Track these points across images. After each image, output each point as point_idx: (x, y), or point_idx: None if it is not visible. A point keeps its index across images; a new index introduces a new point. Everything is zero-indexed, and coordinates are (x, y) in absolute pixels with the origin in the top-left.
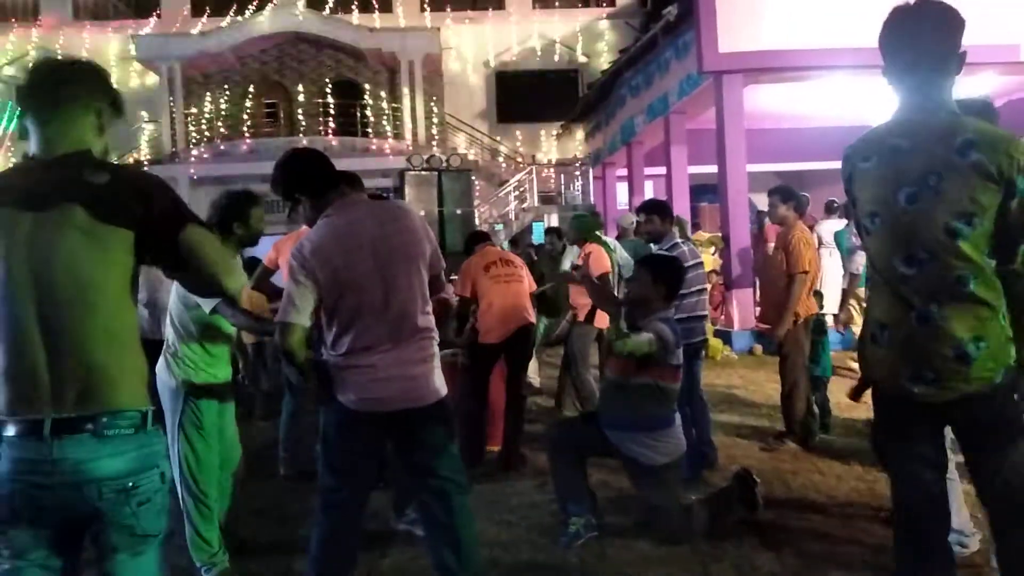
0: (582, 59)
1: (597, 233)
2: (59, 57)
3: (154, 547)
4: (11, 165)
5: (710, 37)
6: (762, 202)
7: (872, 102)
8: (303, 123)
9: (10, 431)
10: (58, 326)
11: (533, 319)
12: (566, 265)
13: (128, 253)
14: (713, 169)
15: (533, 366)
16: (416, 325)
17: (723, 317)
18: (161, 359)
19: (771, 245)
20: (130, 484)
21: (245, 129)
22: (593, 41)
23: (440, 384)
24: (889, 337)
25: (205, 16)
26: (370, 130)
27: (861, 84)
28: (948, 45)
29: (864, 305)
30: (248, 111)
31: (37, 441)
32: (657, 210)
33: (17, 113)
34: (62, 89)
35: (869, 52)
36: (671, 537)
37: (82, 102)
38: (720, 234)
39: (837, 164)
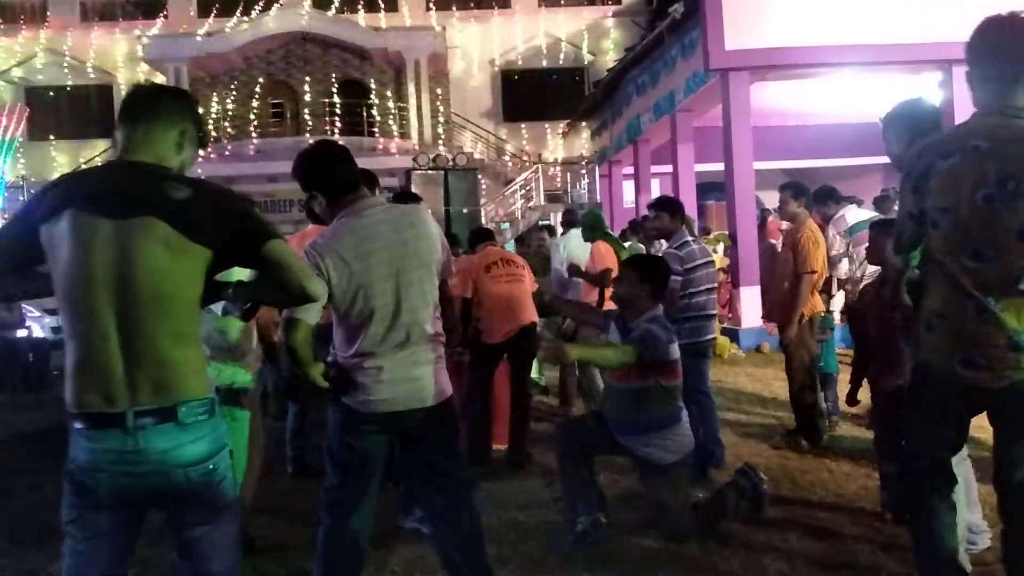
0: (588, 57)
1: (608, 231)
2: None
3: (229, 513)
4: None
5: (716, 35)
6: (768, 200)
7: (880, 99)
8: (309, 123)
9: (89, 424)
10: (134, 328)
11: (536, 318)
12: (555, 261)
13: (204, 265)
14: (720, 167)
15: (538, 365)
16: (425, 330)
17: (730, 315)
18: None
19: (774, 242)
20: (211, 466)
21: (252, 129)
22: (599, 39)
23: (445, 384)
24: (946, 326)
25: (211, 17)
26: (376, 129)
27: (868, 81)
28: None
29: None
30: (254, 111)
31: (121, 433)
32: (665, 207)
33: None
34: (154, 104)
35: (876, 49)
36: (678, 535)
37: (168, 119)
38: (726, 232)
39: (845, 161)
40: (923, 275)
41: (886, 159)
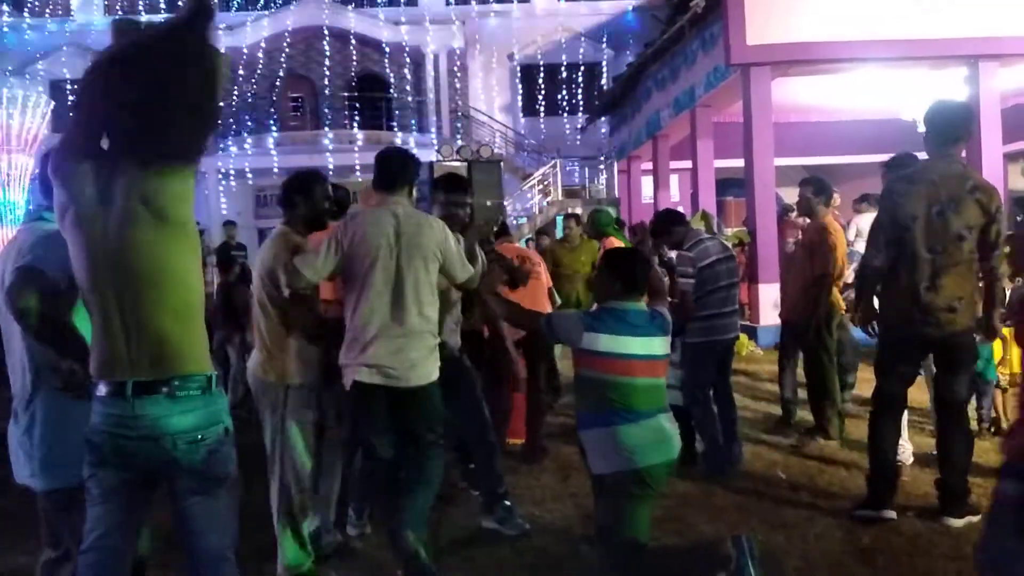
0: (607, 52)
1: (616, 227)
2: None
3: (224, 491)
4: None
5: (738, 29)
6: (789, 196)
7: (904, 95)
8: (329, 116)
9: (101, 391)
10: (133, 305)
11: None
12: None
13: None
14: (740, 163)
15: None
16: (415, 318)
17: (748, 312)
18: (252, 360)
19: (789, 241)
20: (199, 436)
21: (272, 123)
22: (619, 34)
23: (430, 370)
24: (909, 297)
25: (232, 11)
26: (395, 123)
27: (891, 77)
28: (965, 129)
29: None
30: (274, 105)
31: (122, 400)
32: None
33: None
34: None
35: (900, 44)
36: (600, 564)
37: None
38: (745, 228)
39: (867, 158)
40: (892, 263)
41: None
